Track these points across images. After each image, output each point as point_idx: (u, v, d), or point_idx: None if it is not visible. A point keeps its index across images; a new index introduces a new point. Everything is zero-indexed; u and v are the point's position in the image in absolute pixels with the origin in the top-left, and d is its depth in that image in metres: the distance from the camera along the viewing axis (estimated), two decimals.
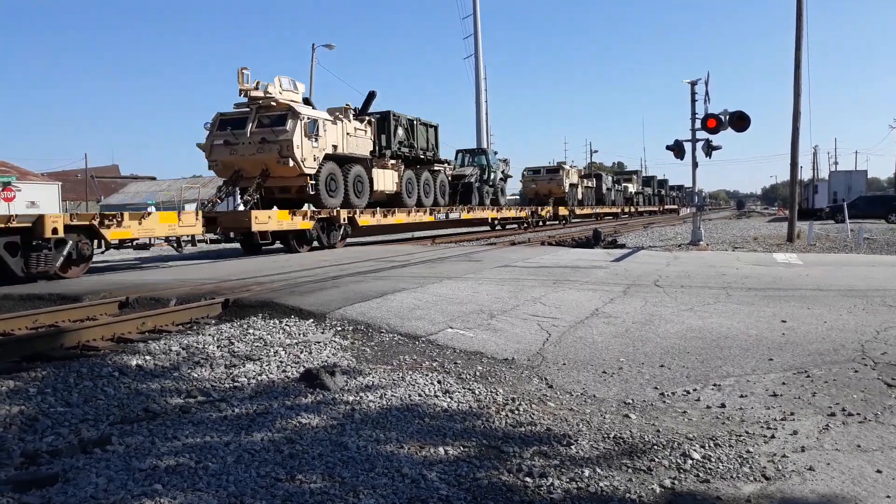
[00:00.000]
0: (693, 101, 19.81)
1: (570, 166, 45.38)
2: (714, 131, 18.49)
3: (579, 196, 45.43)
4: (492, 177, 31.91)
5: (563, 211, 40.61)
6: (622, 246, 21.24)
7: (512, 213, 33.28)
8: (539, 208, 37.16)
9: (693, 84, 19.83)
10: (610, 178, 57.01)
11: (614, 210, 55.89)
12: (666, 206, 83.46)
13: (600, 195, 51.43)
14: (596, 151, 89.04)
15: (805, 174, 76.34)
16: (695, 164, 20.20)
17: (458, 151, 33.09)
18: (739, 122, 18.09)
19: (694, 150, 19.79)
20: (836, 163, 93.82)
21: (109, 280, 10.84)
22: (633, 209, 63.06)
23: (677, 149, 19.83)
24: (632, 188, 64.25)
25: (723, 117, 18.16)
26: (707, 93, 19.30)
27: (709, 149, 19.28)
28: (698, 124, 19.22)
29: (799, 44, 20.28)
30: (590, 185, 49.32)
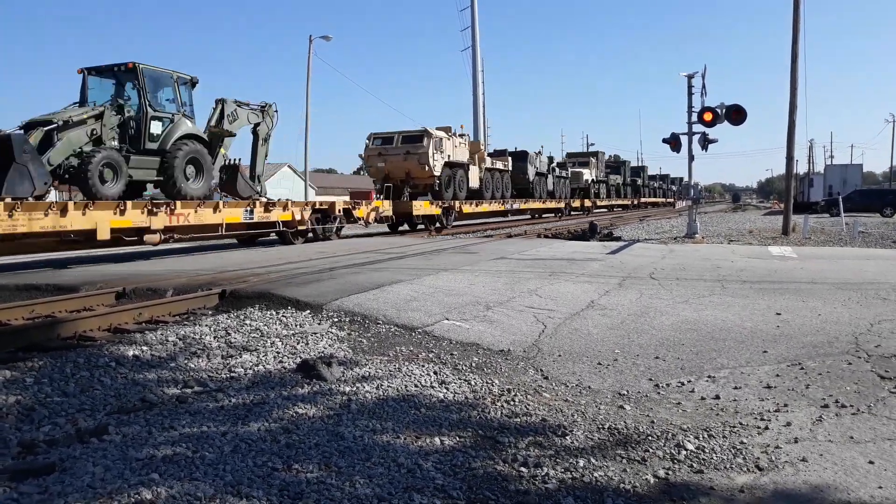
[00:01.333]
0: (690, 94, 19.82)
1: (456, 134, 27.15)
2: (710, 124, 18.53)
3: (473, 182, 28.07)
4: (151, 131, 14.40)
5: (424, 207, 23.96)
6: (618, 238, 21.29)
7: (221, 216, 15.16)
8: (340, 205, 19.74)
9: (690, 77, 19.84)
10: (544, 160, 38.30)
11: (551, 205, 38.88)
12: (643, 199, 68.12)
13: (523, 184, 34.80)
14: (592, 144, 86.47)
15: (801, 168, 76.51)
16: (691, 157, 20.23)
17: (83, 72, 14.41)
18: (736, 115, 18.13)
19: (690, 143, 19.83)
20: (831, 156, 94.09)
21: (106, 270, 10.83)
22: (588, 203, 46.40)
23: (674, 142, 19.88)
24: (588, 175, 46.32)
25: (719, 110, 18.20)
26: (704, 86, 19.35)
27: (705, 142, 19.34)
28: (695, 117, 19.25)
29: (796, 37, 20.29)
30: (500, 167, 31.72)
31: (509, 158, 34.13)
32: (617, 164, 60.60)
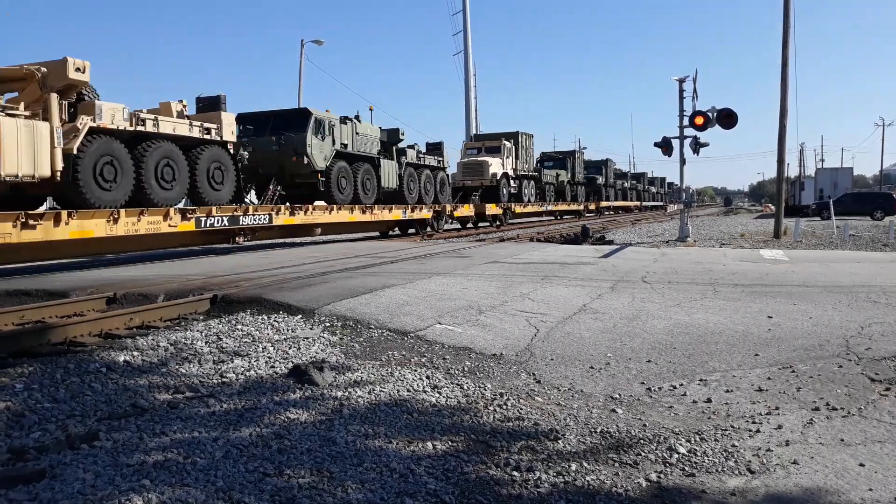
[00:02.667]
0: (681, 98, 19.94)
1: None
2: (702, 128, 18.62)
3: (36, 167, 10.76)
4: None
5: None
6: (610, 242, 21.33)
7: None
8: None
9: (681, 81, 19.95)
10: (370, 133, 21.46)
11: (386, 216, 21.79)
12: (605, 203, 51.60)
13: (303, 175, 18.50)
14: (585, 148, 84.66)
15: (792, 171, 76.68)
16: (682, 161, 20.34)
17: None
18: (727, 118, 18.22)
19: (682, 146, 19.92)
20: (822, 160, 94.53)
21: (97, 276, 10.77)
22: (495, 209, 29.79)
23: (665, 146, 19.96)
24: (497, 167, 30.77)
25: (710, 114, 18.29)
26: (695, 90, 19.50)
27: (697, 146, 19.42)
28: (686, 121, 19.35)
29: (786, 42, 20.42)
30: (187, 133, 14.50)
31: (223, 120, 15.58)
32: (561, 154, 44.88)
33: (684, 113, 19.74)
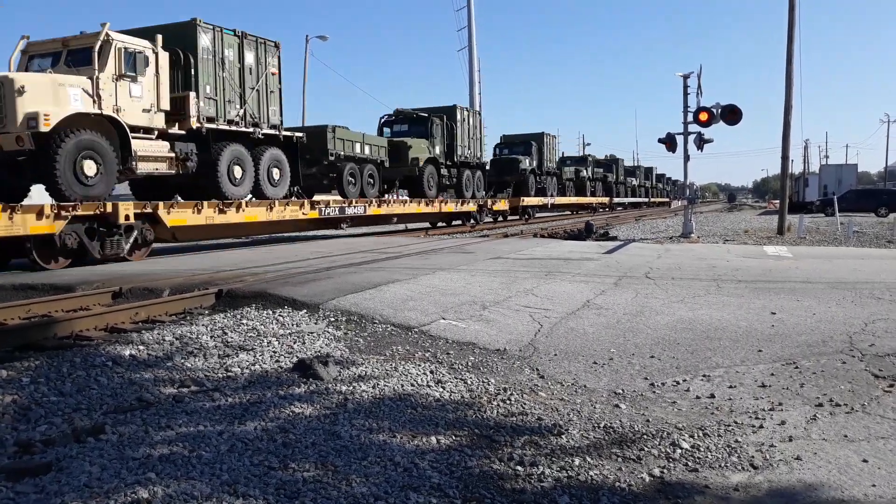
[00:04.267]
0: (685, 94, 19.92)
1: None
2: (706, 124, 18.59)
3: None
4: None
5: None
6: (614, 238, 21.32)
7: None
8: None
9: (685, 77, 19.92)
10: None
11: None
12: (528, 201, 33.20)
13: None
14: (588, 144, 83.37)
15: (796, 168, 76.28)
16: (686, 157, 20.32)
17: None
18: (731, 115, 18.17)
19: (686, 143, 19.94)
20: (826, 156, 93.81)
21: (102, 270, 10.81)
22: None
23: (669, 142, 19.95)
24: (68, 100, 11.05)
25: (715, 110, 18.25)
26: (699, 86, 19.41)
27: (701, 142, 19.40)
28: (690, 117, 19.32)
29: (791, 38, 20.36)
30: None
31: None
32: (423, 114, 25.18)
33: (689, 109, 19.71)
